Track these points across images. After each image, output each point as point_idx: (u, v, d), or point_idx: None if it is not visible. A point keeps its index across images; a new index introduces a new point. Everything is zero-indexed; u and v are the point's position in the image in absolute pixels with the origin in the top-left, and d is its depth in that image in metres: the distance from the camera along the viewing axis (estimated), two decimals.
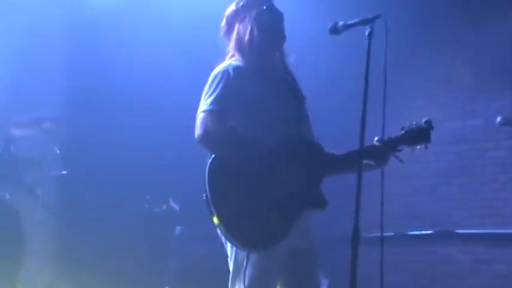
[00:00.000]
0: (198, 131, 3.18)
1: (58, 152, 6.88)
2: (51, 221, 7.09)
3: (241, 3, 3.43)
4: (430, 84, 7.77)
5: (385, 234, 3.13)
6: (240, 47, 3.38)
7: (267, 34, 3.37)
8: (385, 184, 3.18)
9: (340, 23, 3.22)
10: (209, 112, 3.18)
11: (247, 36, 3.36)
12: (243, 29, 3.38)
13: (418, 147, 3.43)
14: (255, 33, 3.35)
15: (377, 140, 3.36)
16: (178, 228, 7.15)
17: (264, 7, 3.38)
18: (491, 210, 7.14)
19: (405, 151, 3.45)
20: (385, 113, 3.14)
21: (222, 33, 3.48)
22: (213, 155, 3.16)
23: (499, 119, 4.58)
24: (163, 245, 7.11)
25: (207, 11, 6.86)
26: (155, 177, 7.31)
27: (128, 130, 7.41)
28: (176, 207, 7.18)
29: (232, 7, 3.45)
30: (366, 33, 3.07)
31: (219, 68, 3.32)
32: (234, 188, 3.12)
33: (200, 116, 3.20)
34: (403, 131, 3.41)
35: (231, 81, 3.24)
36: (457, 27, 7.54)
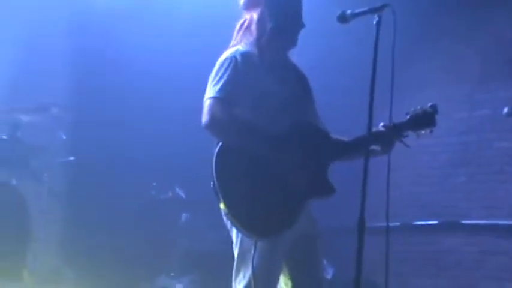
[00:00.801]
0: (205, 117, 3.17)
1: (64, 138, 6.90)
2: (57, 207, 7.12)
3: None
4: (437, 74, 7.74)
5: (391, 224, 3.11)
6: (261, 29, 3.35)
7: (278, 19, 3.34)
8: (391, 174, 3.17)
9: (348, 11, 3.20)
10: (216, 99, 3.17)
11: (258, 19, 3.35)
12: (269, 15, 3.35)
13: (423, 131, 3.43)
14: (267, 17, 3.33)
15: (382, 126, 3.35)
16: (184, 215, 7.16)
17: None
18: (497, 202, 7.12)
19: (412, 137, 3.45)
20: (392, 102, 3.14)
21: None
22: (220, 143, 3.17)
23: (506, 110, 4.57)
24: (169, 232, 7.12)
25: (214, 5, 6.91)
26: (162, 164, 7.32)
27: (135, 117, 7.42)
28: (182, 194, 7.19)
29: None
30: (374, 22, 3.06)
31: (226, 54, 3.31)
32: (241, 176, 3.12)
33: (207, 102, 3.19)
34: (408, 116, 3.41)
35: (238, 68, 3.23)
36: (463, 16, 7.51)
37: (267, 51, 3.34)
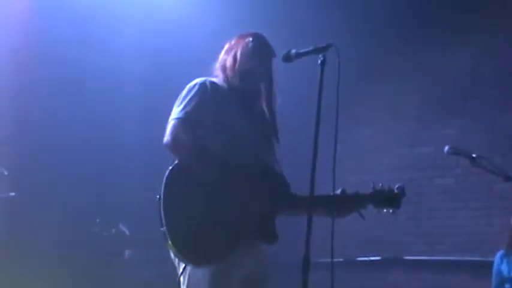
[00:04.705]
0: (167, 137, 3.20)
1: (6, 173, 6.76)
2: None
3: (233, 42, 3.48)
4: (380, 112, 7.89)
5: (335, 259, 3.14)
6: (222, 69, 3.43)
7: (248, 60, 3.38)
8: None
9: (293, 51, 3.25)
10: (180, 120, 3.20)
11: (230, 60, 3.40)
12: (227, 57, 3.43)
13: (385, 210, 3.46)
14: (238, 58, 3.38)
15: (343, 192, 3.39)
16: (127, 252, 7.09)
17: (250, 39, 3.42)
18: (438, 238, 7.24)
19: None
20: (337, 140, 3.17)
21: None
22: (175, 161, 3.18)
23: (446, 148, 4.66)
24: (112, 269, 7.03)
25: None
26: (105, 200, 7.23)
27: (77, 151, 7.29)
28: (126, 231, 7.12)
29: (226, 45, 3.50)
30: (319, 61, 3.10)
31: (196, 80, 3.34)
32: (189, 198, 3.12)
33: (171, 123, 3.22)
34: (373, 190, 3.45)
35: (207, 94, 3.27)
36: (404, 56, 7.70)
37: (237, 85, 3.37)
